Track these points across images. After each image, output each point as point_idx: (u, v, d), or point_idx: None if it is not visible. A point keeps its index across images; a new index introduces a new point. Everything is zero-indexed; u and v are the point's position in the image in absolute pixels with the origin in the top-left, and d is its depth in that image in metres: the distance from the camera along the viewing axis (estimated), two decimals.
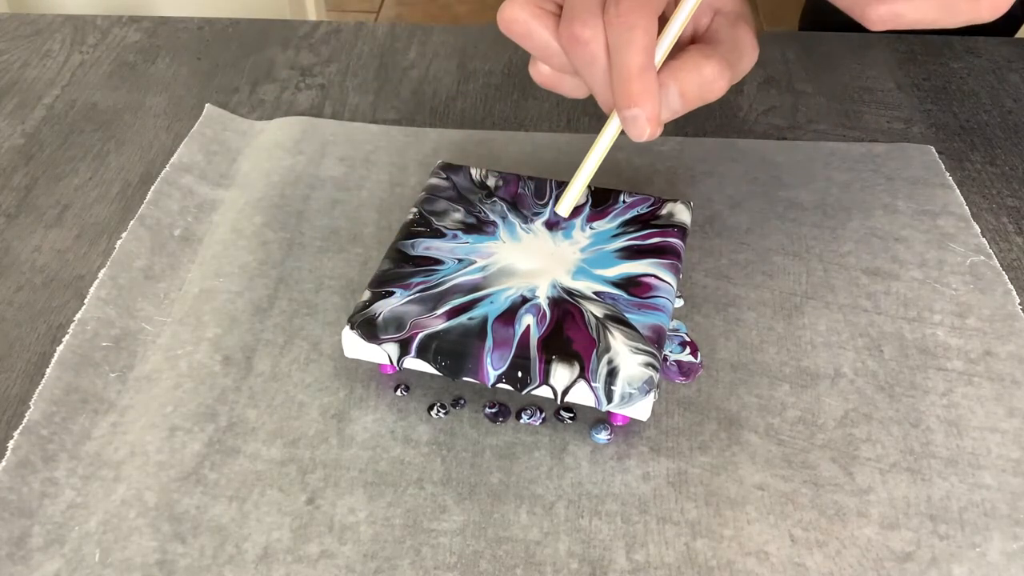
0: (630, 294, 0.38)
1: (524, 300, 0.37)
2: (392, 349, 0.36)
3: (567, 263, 0.39)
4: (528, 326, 0.36)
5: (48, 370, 0.38)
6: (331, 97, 0.58)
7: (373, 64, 0.61)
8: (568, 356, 0.35)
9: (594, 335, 0.36)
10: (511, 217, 0.42)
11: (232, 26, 0.65)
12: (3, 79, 0.59)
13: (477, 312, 0.37)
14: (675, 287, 0.39)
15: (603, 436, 0.37)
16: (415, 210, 0.42)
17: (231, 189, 0.49)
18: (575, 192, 0.37)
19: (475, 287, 0.38)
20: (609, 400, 0.35)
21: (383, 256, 0.40)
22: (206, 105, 0.54)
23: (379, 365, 0.38)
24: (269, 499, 0.35)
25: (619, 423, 0.37)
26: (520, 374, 0.35)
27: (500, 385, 0.36)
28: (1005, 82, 0.59)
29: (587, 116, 0.56)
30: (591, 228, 0.41)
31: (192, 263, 0.45)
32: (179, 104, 0.57)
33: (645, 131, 0.34)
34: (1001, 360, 0.40)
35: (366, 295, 0.38)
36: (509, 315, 0.37)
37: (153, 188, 0.48)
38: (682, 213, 0.42)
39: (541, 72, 0.37)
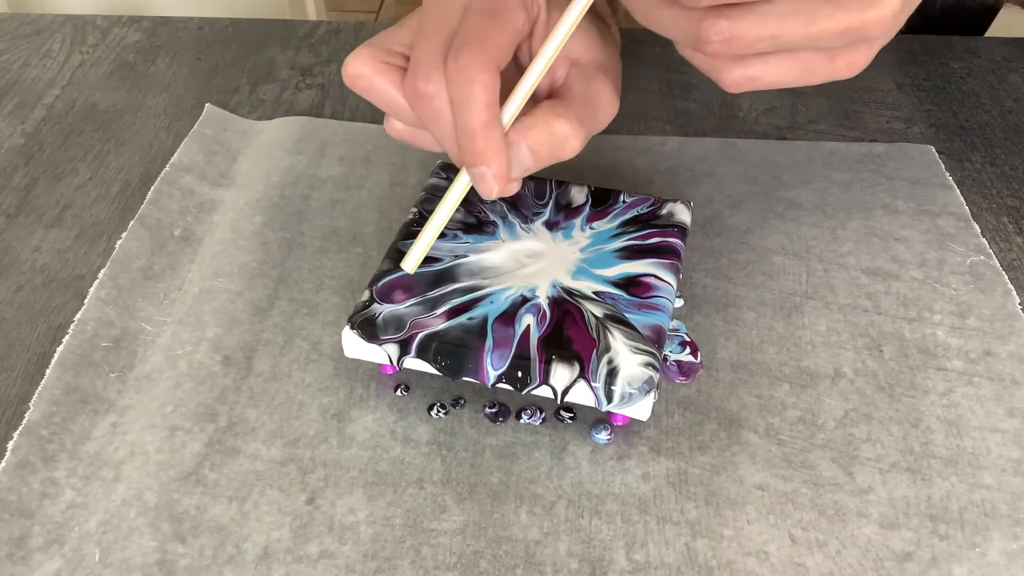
0: (630, 294, 0.38)
1: (524, 300, 0.37)
2: (392, 349, 0.36)
3: (567, 263, 0.39)
4: (528, 326, 0.36)
5: (48, 370, 0.38)
6: (331, 97, 0.58)
7: None
8: (568, 356, 0.35)
9: (594, 335, 0.36)
10: (511, 217, 0.42)
11: (232, 26, 0.65)
12: (3, 79, 0.59)
13: (477, 312, 0.37)
14: (675, 287, 0.39)
15: (603, 436, 0.37)
16: (415, 210, 0.42)
17: (231, 189, 0.49)
18: (420, 249, 0.36)
19: (475, 286, 0.38)
20: (609, 400, 0.35)
21: (383, 256, 0.40)
22: (206, 105, 0.55)
23: (379, 365, 0.38)
24: (269, 499, 0.35)
25: (619, 423, 0.37)
26: (520, 374, 0.35)
27: (500, 385, 0.36)
28: (1005, 82, 0.59)
29: None
30: (591, 228, 0.41)
31: (192, 263, 0.45)
32: (179, 104, 0.57)
33: (493, 189, 0.33)
34: (1001, 360, 0.40)
35: (365, 295, 0.38)
36: (509, 315, 0.37)
37: (153, 188, 0.48)
38: (682, 213, 0.42)
39: (395, 127, 0.36)
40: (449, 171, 0.45)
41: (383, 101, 0.35)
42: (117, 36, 0.64)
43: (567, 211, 0.42)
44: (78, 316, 0.41)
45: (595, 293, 0.38)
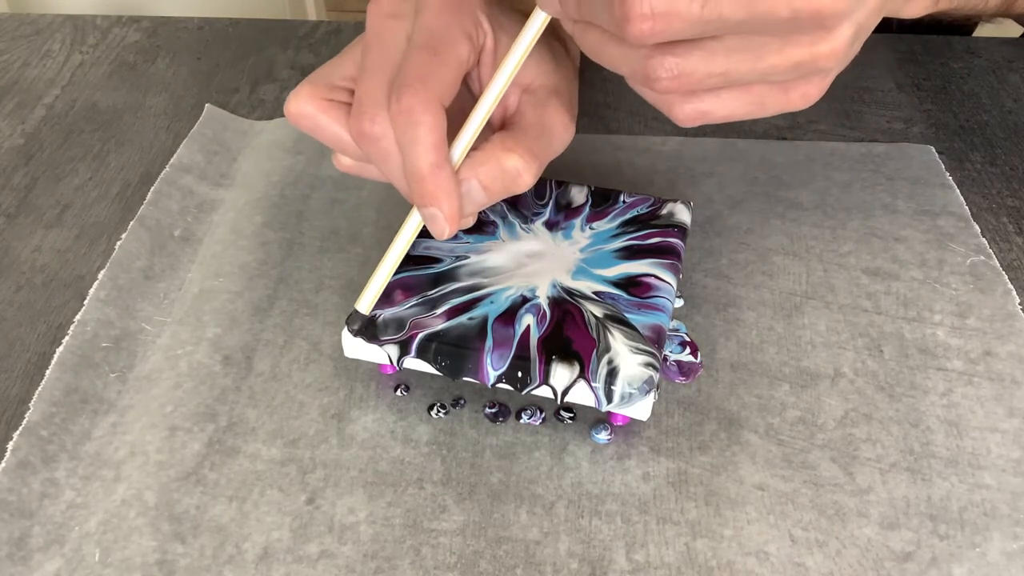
0: (630, 294, 0.38)
1: (524, 300, 0.37)
2: (392, 349, 0.36)
3: (567, 263, 0.39)
4: (528, 326, 0.36)
5: (48, 370, 0.38)
6: None
7: None
8: (568, 356, 0.35)
9: (594, 335, 0.36)
10: (511, 217, 0.42)
11: (232, 26, 0.65)
12: (3, 79, 0.59)
13: (477, 312, 0.37)
14: (675, 287, 0.39)
15: (603, 436, 0.37)
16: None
17: (231, 189, 0.49)
18: (374, 291, 0.36)
19: (475, 286, 0.38)
20: (609, 400, 0.35)
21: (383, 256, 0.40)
22: (206, 105, 0.55)
23: (379, 365, 0.38)
24: (269, 499, 0.35)
25: (619, 423, 0.37)
26: (520, 374, 0.35)
27: (500, 385, 0.36)
28: (1005, 82, 0.59)
29: (586, 116, 0.56)
30: (591, 228, 0.41)
31: (192, 263, 0.45)
32: (179, 104, 0.57)
33: (445, 230, 0.32)
34: (1001, 360, 0.40)
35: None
36: (509, 315, 0.37)
37: (153, 188, 0.48)
38: (682, 213, 0.42)
39: (342, 163, 0.35)
40: None
41: (329, 139, 0.34)
42: (117, 36, 0.64)
43: (567, 211, 0.42)
44: (78, 316, 0.41)
45: (595, 293, 0.38)
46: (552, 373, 0.35)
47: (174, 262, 0.45)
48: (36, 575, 0.32)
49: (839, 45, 0.29)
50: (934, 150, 0.52)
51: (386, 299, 0.37)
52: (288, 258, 0.45)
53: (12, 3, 1.49)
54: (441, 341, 0.36)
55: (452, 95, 0.32)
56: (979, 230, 0.46)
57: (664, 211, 0.42)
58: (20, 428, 0.36)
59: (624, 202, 0.43)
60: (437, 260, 0.39)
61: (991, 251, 0.45)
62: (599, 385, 0.34)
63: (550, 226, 0.41)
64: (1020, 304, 0.42)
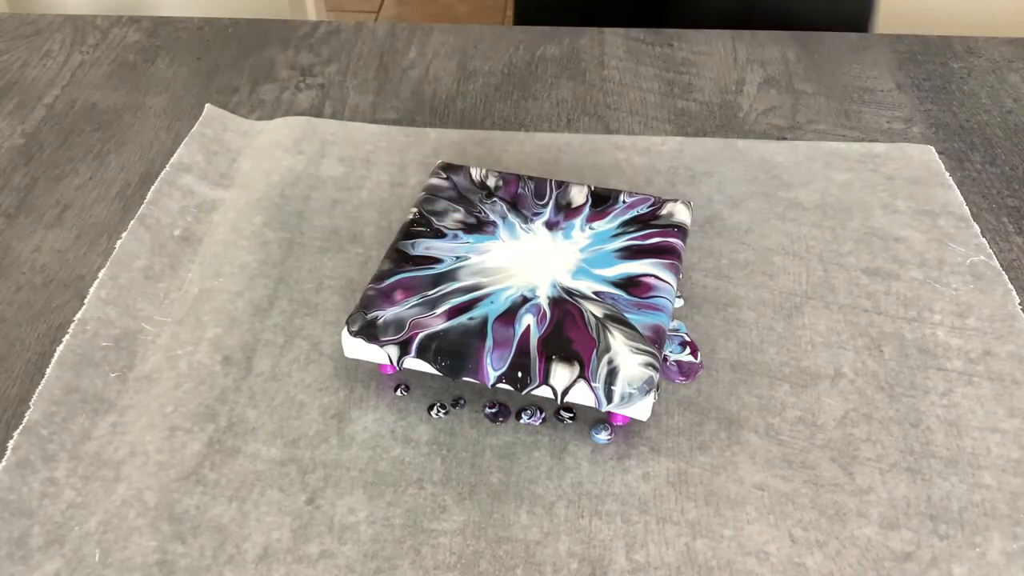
0: (630, 294, 0.38)
1: (524, 300, 0.37)
2: (392, 349, 0.36)
3: (567, 263, 0.39)
4: (528, 326, 0.36)
5: (48, 370, 0.38)
6: (331, 97, 0.58)
7: (373, 64, 0.61)
8: (568, 356, 0.35)
9: (594, 335, 0.36)
10: (511, 217, 0.42)
11: (232, 26, 0.65)
12: (3, 79, 0.59)
13: (477, 312, 0.37)
14: (675, 287, 0.39)
15: (603, 436, 0.37)
16: (415, 210, 0.42)
17: (231, 189, 0.49)
18: None
19: (475, 286, 0.38)
20: (609, 400, 0.35)
21: (383, 256, 0.40)
22: (206, 105, 0.55)
23: (379, 365, 0.38)
24: (269, 499, 0.35)
25: (619, 423, 0.37)
26: (520, 374, 0.35)
27: (500, 385, 0.36)
28: (1005, 82, 0.59)
29: (587, 116, 0.56)
30: (591, 228, 0.41)
31: (192, 263, 0.45)
32: (179, 104, 0.57)
33: None
34: (1001, 360, 0.40)
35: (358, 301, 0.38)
36: (509, 315, 0.37)
37: (153, 188, 0.48)
38: (682, 213, 0.42)
39: None
40: (450, 171, 0.45)
41: None
42: (117, 36, 0.64)
43: (567, 211, 0.42)
44: (78, 316, 0.41)
45: (595, 293, 0.38)
46: (552, 373, 0.35)
47: (174, 262, 0.45)
48: (36, 575, 0.32)
49: None
50: (934, 150, 0.52)
51: (386, 299, 0.37)
52: (288, 258, 0.45)
53: (12, 3, 1.49)
54: (441, 341, 0.36)
55: None
56: (979, 230, 0.46)
57: (664, 211, 0.42)
58: (20, 427, 0.36)
59: (624, 202, 0.43)
60: (437, 260, 0.39)
61: (991, 251, 0.45)
62: (599, 385, 0.34)
63: (550, 226, 0.41)
64: (1020, 304, 0.42)
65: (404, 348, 0.36)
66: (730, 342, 0.41)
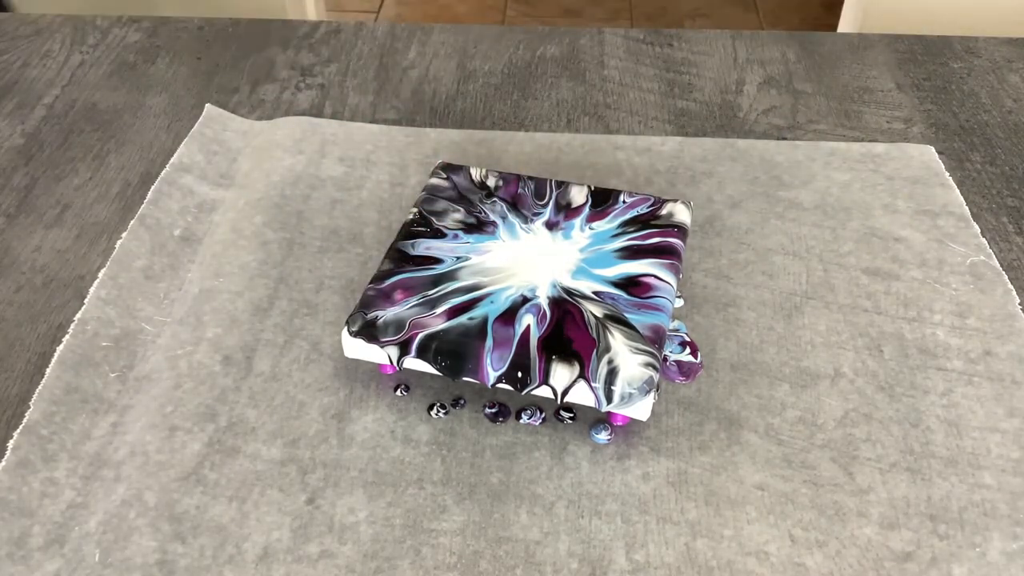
0: (630, 294, 0.38)
1: (524, 300, 0.37)
2: (392, 349, 0.36)
3: (567, 263, 0.39)
4: (528, 326, 0.36)
5: (48, 370, 0.38)
6: (331, 97, 0.58)
7: (373, 64, 0.61)
8: (568, 356, 0.35)
9: (594, 335, 0.36)
10: (511, 217, 0.42)
11: (232, 26, 0.65)
12: (3, 79, 0.59)
13: (477, 312, 0.37)
14: (675, 287, 0.39)
15: (603, 436, 0.37)
16: (415, 210, 0.42)
17: (231, 189, 0.49)
18: None
19: (475, 286, 0.38)
20: (609, 400, 0.35)
21: (383, 256, 0.40)
22: (206, 105, 0.55)
23: (379, 365, 0.38)
24: (269, 499, 0.35)
25: (619, 423, 0.37)
26: (520, 374, 0.35)
27: (500, 385, 0.36)
28: (1005, 82, 0.59)
29: (587, 116, 0.56)
30: (591, 228, 0.41)
31: (192, 263, 0.45)
32: (179, 104, 0.57)
33: None
34: (1001, 360, 0.40)
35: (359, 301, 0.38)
36: (509, 315, 0.37)
37: (153, 188, 0.48)
38: (682, 213, 0.42)
39: None
40: (450, 171, 0.45)
41: None
42: (117, 36, 0.64)
43: (567, 211, 0.42)
44: (78, 316, 0.41)
45: (595, 293, 0.38)
46: (552, 373, 0.35)
47: (174, 262, 0.45)
48: (36, 575, 0.32)
49: None
50: (934, 150, 0.52)
51: (386, 299, 0.37)
52: (288, 258, 0.45)
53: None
54: (441, 341, 0.36)
55: None
56: (979, 230, 0.46)
57: (664, 211, 0.42)
58: (20, 427, 0.36)
59: (624, 202, 0.43)
60: (437, 260, 0.39)
61: (991, 251, 0.45)
62: (599, 385, 0.34)
63: (550, 226, 0.41)
64: (1020, 304, 0.42)
65: (404, 348, 0.36)
66: (730, 342, 0.41)
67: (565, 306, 0.37)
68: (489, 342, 0.36)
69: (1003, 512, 0.34)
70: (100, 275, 0.43)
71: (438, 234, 0.41)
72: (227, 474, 0.35)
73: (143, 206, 0.47)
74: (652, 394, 0.35)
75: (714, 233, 0.46)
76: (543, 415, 0.37)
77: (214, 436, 0.37)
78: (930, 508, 0.34)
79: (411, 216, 0.42)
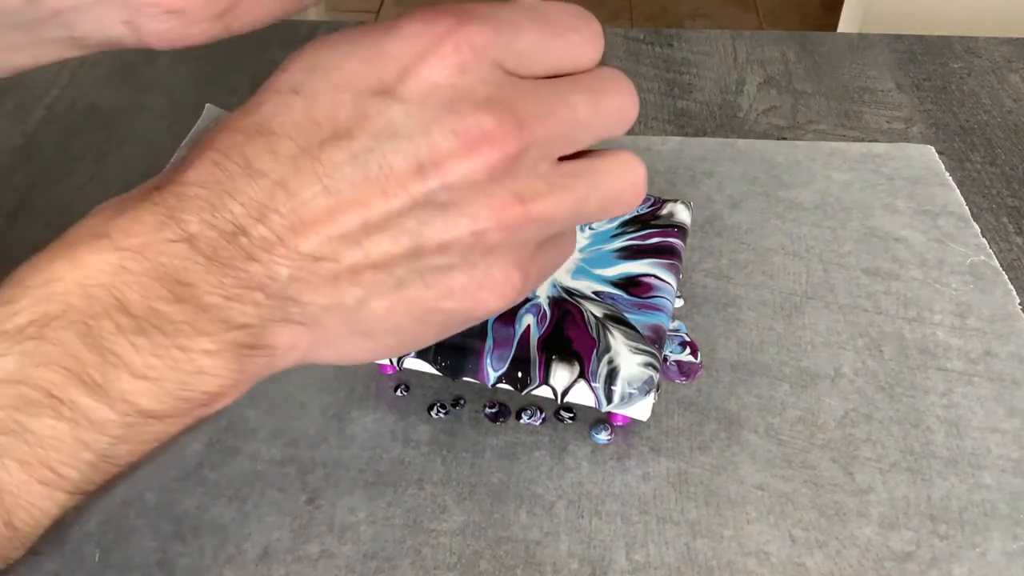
0: (630, 294, 0.38)
1: (524, 300, 0.37)
2: None
3: (567, 263, 0.39)
4: (528, 326, 0.36)
5: None
6: None
7: None
8: (568, 356, 0.35)
9: (594, 335, 0.36)
10: None
11: None
12: (3, 79, 0.59)
13: None
14: (675, 287, 0.39)
15: (603, 436, 0.37)
16: None
17: None
18: None
19: None
20: (609, 400, 0.35)
21: None
22: (206, 105, 0.54)
23: (379, 365, 0.38)
24: (269, 499, 0.35)
25: (619, 423, 0.37)
26: (520, 374, 0.35)
27: (500, 385, 0.36)
28: (1005, 82, 0.59)
29: None
30: (591, 228, 0.41)
31: None
32: (179, 104, 0.57)
33: None
34: (1001, 360, 0.40)
35: None
36: (509, 315, 0.37)
37: None
38: (682, 213, 0.42)
39: None
40: None
41: None
42: None
43: None
44: None
45: (595, 293, 0.38)
46: (552, 373, 0.35)
47: None
48: (36, 575, 0.32)
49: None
50: (934, 150, 0.52)
51: None
52: None
53: None
54: (441, 341, 0.36)
55: None
56: (979, 230, 0.46)
57: (664, 211, 0.42)
58: None
59: None
60: None
61: (991, 251, 0.45)
62: (599, 385, 0.34)
63: None
64: (1020, 304, 0.42)
65: None
66: (730, 342, 0.41)
67: (565, 306, 0.37)
68: (489, 342, 0.36)
69: (1003, 512, 0.34)
70: None
71: None
72: (227, 474, 0.35)
73: None
74: (652, 394, 0.35)
75: (714, 233, 0.46)
76: (543, 415, 0.37)
77: (214, 436, 0.37)
78: (930, 508, 0.34)
79: None
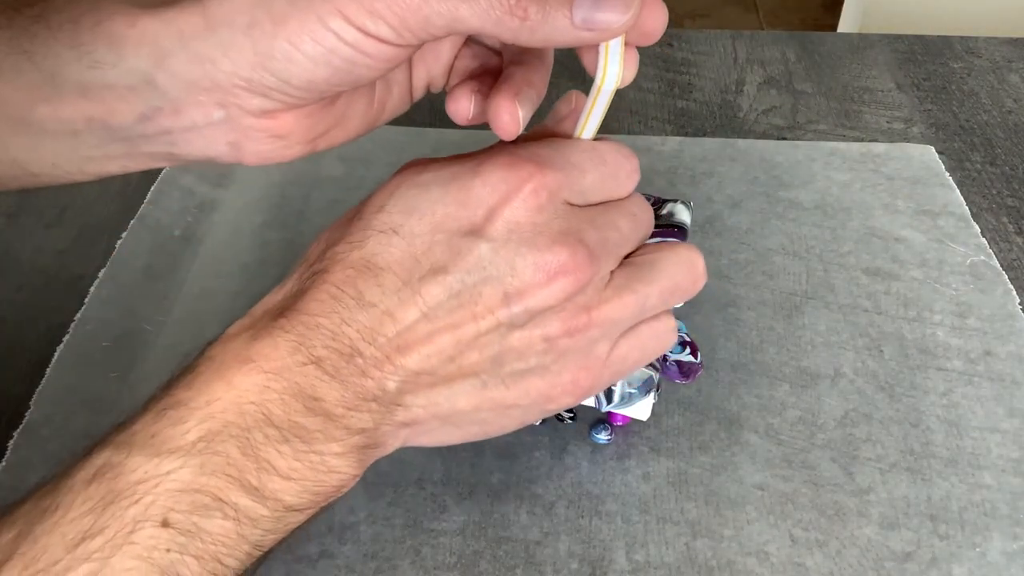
0: None
1: None
2: None
3: None
4: None
5: (48, 370, 0.38)
6: None
7: None
8: None
9: None
10: None
11: None
12: None
13: None
14: None
15: (603, 436, 0.37)
16: None
17: (231, 189, 0.49)
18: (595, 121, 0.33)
19: None
20: (609, 400, 0.35)
21: None
22: None
23: None
24: None
25: (619, 423, 0.37)
26: None
27: None
28: (1005, 82, 0.59)
29: None
30: None
31: (192, 263, 0.45)
32: None
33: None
34: (1001, 360, 0.40)
35: None
36: None
37: (153, 188, 0.48)
38: (682, 213, 0.42)
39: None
40: None
41: None
42: None
43: None
44: (78, 316, 0.41)
45: None
46: None
47: (174, 262, 0.45)
48: None
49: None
50: (934, 150, 0.52)
51: None
52: (288, 258, 0.45)
53: None
54: None
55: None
56: (979, 230, 0.46)
57: (664, 211, 0.42)
58: (20, 427, 0.36)
59: None
60: None
61: (991, 251, 0.45)
62: None
63: None
64: (1020, 304, 0.42)
65: None
66: (730, 342, 0.41)
67: None
68: None
69: (1003, 512, 0.34)
70: (100, 275, 0.43)
71: None
72: None
73: (143, 206, 0.47)
74: (652, 394, 0.35)
75: (714, 233, 0.46)
76: None
77: None
78: (930, 508, 0.34)
79: None
